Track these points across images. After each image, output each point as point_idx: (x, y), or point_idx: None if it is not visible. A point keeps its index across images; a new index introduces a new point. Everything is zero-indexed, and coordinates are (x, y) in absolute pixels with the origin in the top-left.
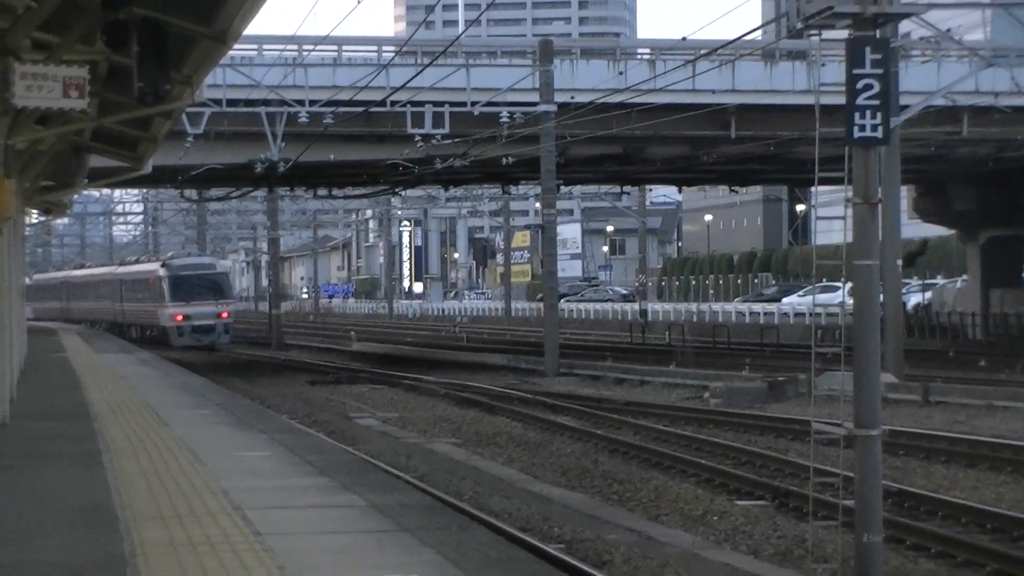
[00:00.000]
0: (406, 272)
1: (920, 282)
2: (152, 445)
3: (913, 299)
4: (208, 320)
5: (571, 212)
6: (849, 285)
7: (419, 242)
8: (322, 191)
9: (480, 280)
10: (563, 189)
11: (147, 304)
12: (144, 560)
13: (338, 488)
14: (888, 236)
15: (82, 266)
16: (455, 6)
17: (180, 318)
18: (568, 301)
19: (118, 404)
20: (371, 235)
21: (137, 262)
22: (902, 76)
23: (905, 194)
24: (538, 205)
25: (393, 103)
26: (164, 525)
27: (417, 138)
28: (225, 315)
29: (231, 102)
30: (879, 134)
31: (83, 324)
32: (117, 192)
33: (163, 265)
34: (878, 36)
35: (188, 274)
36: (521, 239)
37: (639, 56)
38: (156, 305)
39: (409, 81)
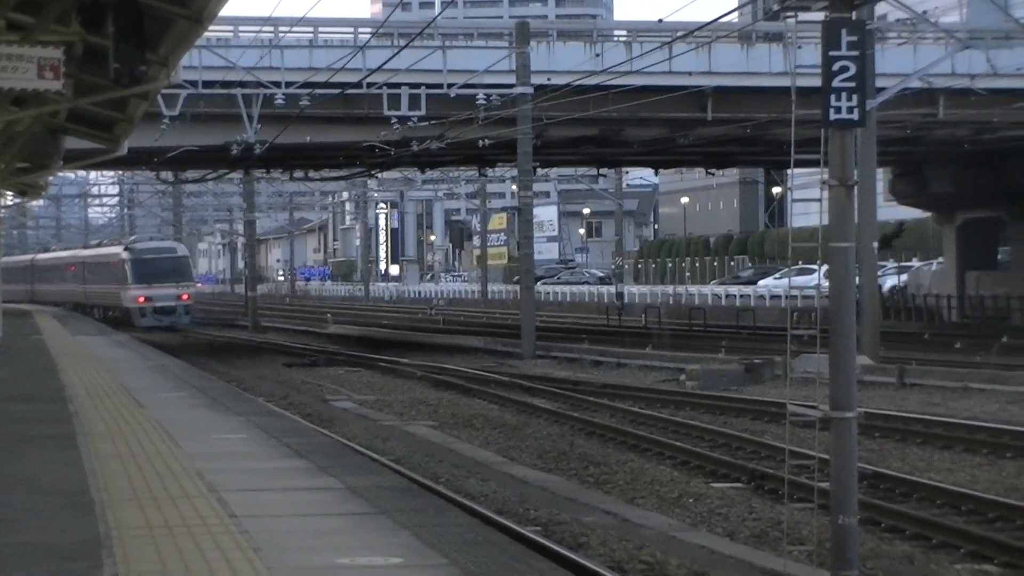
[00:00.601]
0: (383, 255)
1: (896, 264)
2: (128, 428)
3: (889, 281)
4: (169, 302)
5: (548, 194)
6: (825, 267)
7: (396, 224)
8: (298, 173)
9: (457, 263)
10: (540, 171)
11: (110, 286)
12: (120, 542)
13: (315, 471)
14: (864, 218)
15: (47, 249)
16: None
17: (142, 300)
18: (545, 284)
19: (94, 387)
20: (347, 217)
21: (100, 245)
22: (878, 58)
23: (881, 176)
24: (515, 187)
25: (370, 85)
26: (140, 508)
27: (394, 120)
28: (186, 297)
29: (207, 84)
30: (855, 116)
31: (48, 306)
32: (93, 174)
33: (126, 248)
34: (854, 18)
35: (150, 257)
36: (498, 222)
37: (616, 38)
38: (119, 287)
39: (386, 63)
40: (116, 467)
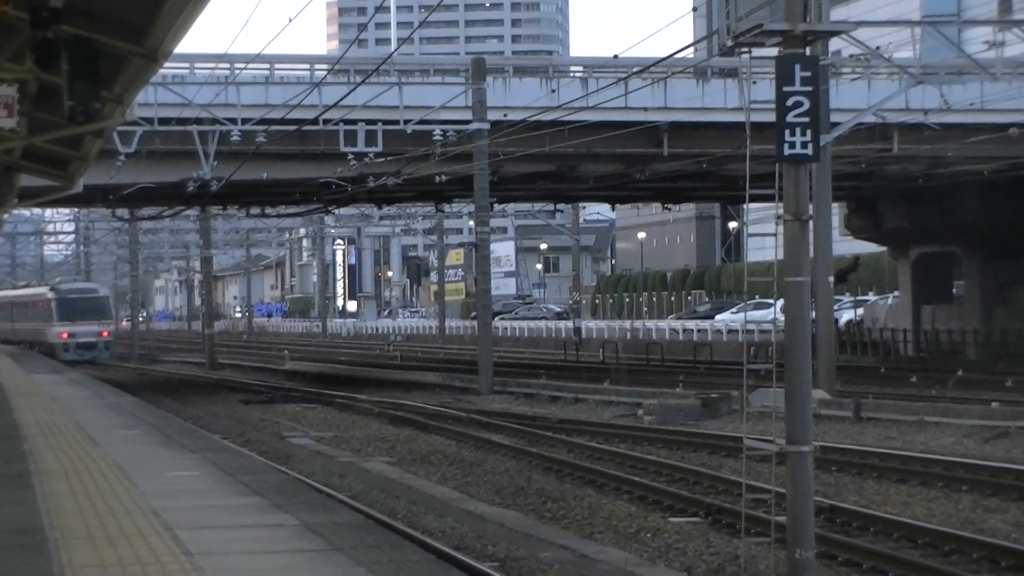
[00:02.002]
0: (340, 291)
1: (852, 299)
2: (83, 466)
3: (845, 315)
4: (91, 338)
5: (505, 230)
6: (781, 302)
7: (352, 260)
8: (255, 210)
9: (414, 298)
10: (497, 207)
11: (37, 323)
12: None
13: (271, 508)
14: (820, 253)
15: None
16: (387, 24)
17: (66, 335)
18: (502, 319)
19: (49, 424)
20: (304, 254)
21: (28, 286)
22: (832, 93)
23: (837, 211)
24: (472, 223)
25: (326, 121)
26: (94, 546)
27: (350, 156)
28: (106, 334)
29: (163, 120)
30: (809, 151)
31: None
32: (48, 211)
33: (52, 289)
34: (808, 54)
35: (74, 297)
36: (455, 257)
37: (572, 74)
38: (45, 324)
39: (342, 99)
40: (70, 505)
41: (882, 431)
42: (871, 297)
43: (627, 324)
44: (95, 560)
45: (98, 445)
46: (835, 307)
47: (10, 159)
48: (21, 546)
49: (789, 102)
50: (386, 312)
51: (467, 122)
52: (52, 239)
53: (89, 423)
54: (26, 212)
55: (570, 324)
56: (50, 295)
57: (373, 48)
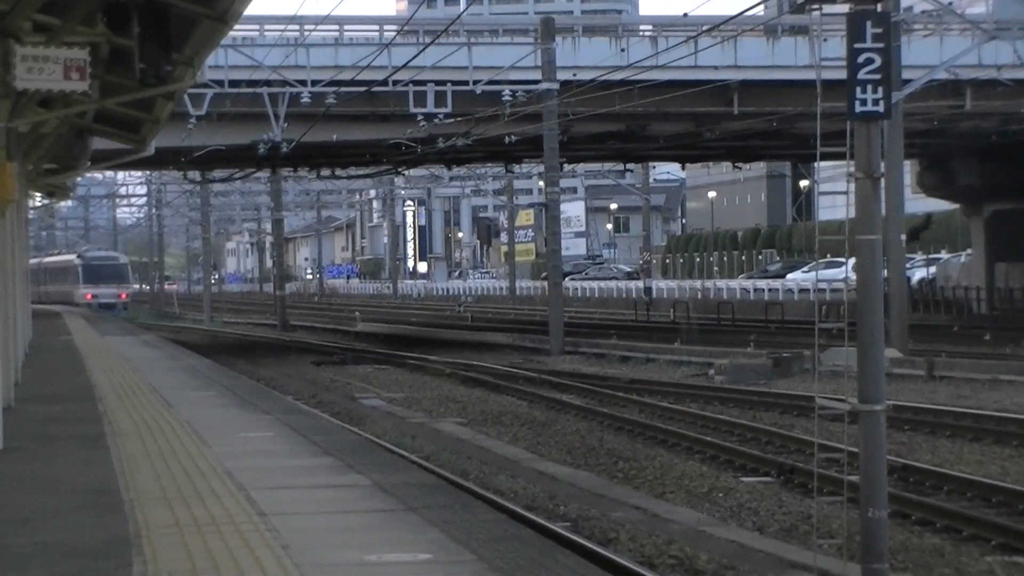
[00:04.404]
0: (410, 252)
1: (924, 257)
2: (156, 427)
3: (918, 274)
4: (111, 299)
5: (575, 190)
6: (852, 260)
7: (423, 222)
8: (325, 171)
9: (484, 259)
10: (566, 167)
11: (65, 286)
12: (149, 541)
13: (343, 468)
14: (891, 211)
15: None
16: None
17: (89, 297)
18: (572, 279)
19: (123, 386)
20: (375, 215)
21: (59, 254)
22: (904, 50)
23: (909, 169)
24: (541, 183)
25: (395, 83)
26: (169, 506)
27: (420, 117)
28: (124, 296)
29: (233, 83)
30: (880, 108)
31: None
32: (120, 174)
33: (78, 256)
34: (879, 10)
35: (97, 264)
36: (525, 218)
37: (641, 33)
38: (72, 287)
39: (411, 60)
40: (145, 466)
41: (955, 390)
42: (944, 255)
43: (697, 284)
44: (170, 520)
45: (171, 406)
46: (907, 265)
47: (82, 122)
48: (97, 506)
49: (860, 59)
50: (456, 273)
51: (536, 82)
52: (124, 202)
53: (162, 384)
54: (99, 175)
55: (640, 284)
56: (77, 261)
57: (442, 8)
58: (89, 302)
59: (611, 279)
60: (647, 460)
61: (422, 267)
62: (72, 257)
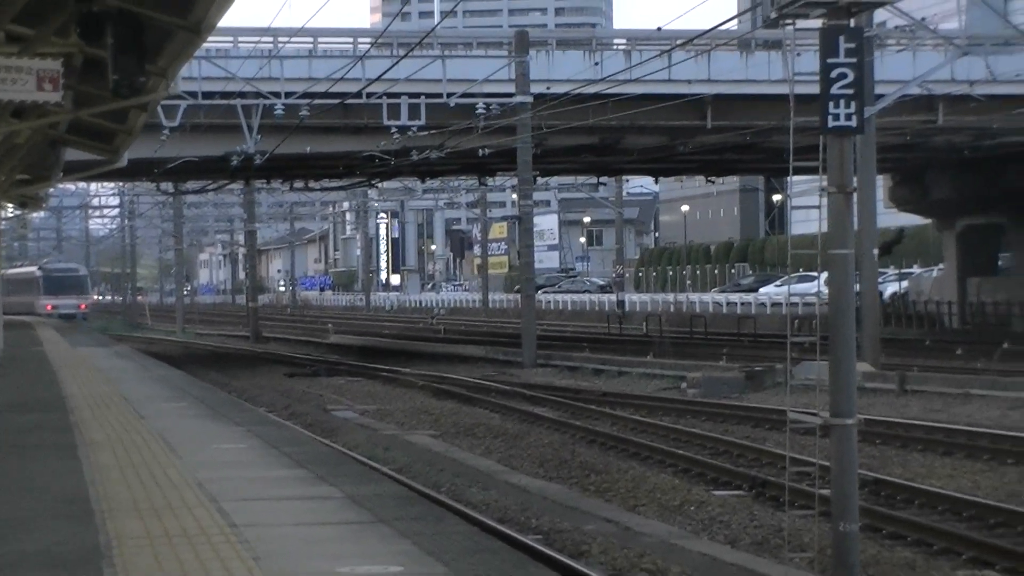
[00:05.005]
0: (383, 264)
1: (897, 271)
2: (128, 437)
3: (890, 288)
4: (71, 310)
5: (548, 203)
6: (825, 275)
7: (396, 234)
8: (299, 183)
9: (458, 272)
10: (540, 180)
11: (26, 297)
12: (120, 552)
13: (315, 480)
14: (864, 225)
15: None
16: None
17: (50, 307)
18: (546, 292)
19: (95, 397)
20: (348, 227)
21: (20, 266)
22: (877, 65)
23: (881, 183)
24: (515, 196)
25: (369, 95)
26: (140, 517)
27: (393, 130)
28: (83, 307)
29: (207, 94)
30: (853, 123)
31: None
32: (93, 185)
33: (39, 268)
34: (852, 25)
35: (57, 275)
36: (498, 230)
37: (615, 46)
38: (33, 297)
39: (385, 73)
40: (116, 476)
41: (927, 404)
42: (916, 269)
43: (670, 297)
44: (141, 531)
45: (143, 417)
46: (880, 280)
47: (55, 133)
48: (69, 516)
49: (833, 74)
50: (430, 285)
51: (510, 95)
52: (97, 213)
53: (134, 395)
54: (72, 186)
55: (613, 297)
56: (38, 273)
57: (416, 21)
58: (50, 312)
59: (584, 292)
60: (619, 473)
61: (395, 279)
62: (33, 269)
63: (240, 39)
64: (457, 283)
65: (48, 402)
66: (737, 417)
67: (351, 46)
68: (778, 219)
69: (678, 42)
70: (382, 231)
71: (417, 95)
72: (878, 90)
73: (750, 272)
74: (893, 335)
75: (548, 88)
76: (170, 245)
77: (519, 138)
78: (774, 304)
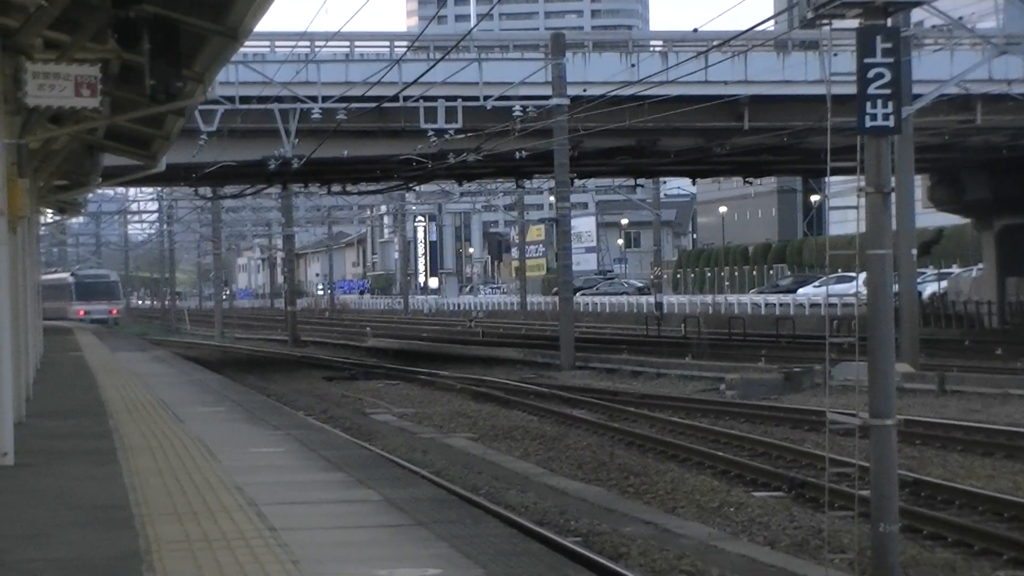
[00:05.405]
0: (421, 267)
1: (936, 271)
2: (167, 442)
3: (929, 288)
4: (103, 315)
5: (585, 205)
6: (863, 275)
7: (433, 237)
8: (336, 187)
9: (495, 274)
10: (577, 182)
11: (59, 303)
12: (159, 556)
13: (353, 483)
14: (902, 225)
15: None
16: (467, 0)
17: (82, 312)
18: (583, 294)
19: (133, 402)
20: (386, 231)
21: (53, 273)
22: (915, 65)
23: (920, 183)
24: (552, 199)
25: (406, 98)
26: (179, 521)
27: (430, 133)
28: (114, 312)
29: (244, 99)
30: (891, 123)
31: None
32: (132, 190)
33: (72, 275)
34: (889, 25)
35: (89, 282)
36: (536, 233)
37: (651, 48)
38: (66, 303)
39: (421, 76)
40: (155, 481)
41: (966, 404)
42: (955, 269)
43: (708, 299)
44: (180, 535)
45: (182, 422)
46: (918, 280)
47: (93, 138)
48: (107, 521)
49: (870, 74)
50: (467, 288)
51: (546, 98)
52: (136, 218)
53: (173, 400)
54: (110, 191)
55: (651, 299)
56: (70, 280)
57: (452, 24)
58: (81, 317)
59: (622, 294)
60: (658, 475)
61: (433, 282)
62: (66, 275)
63: (277, 43)
64: (495, 286)
65: (87, 407)
66: (776, 418)
67: (387, 50)
68: (816, 220)
69: (714, 43)
70: (419, 234)
71: (454, 98)
72: (915, 90)
73: (788, 273)
74: (932, 335)
75: (584, 90)
76: (208, 250)
77: (555, 140)
78: (812, 305)
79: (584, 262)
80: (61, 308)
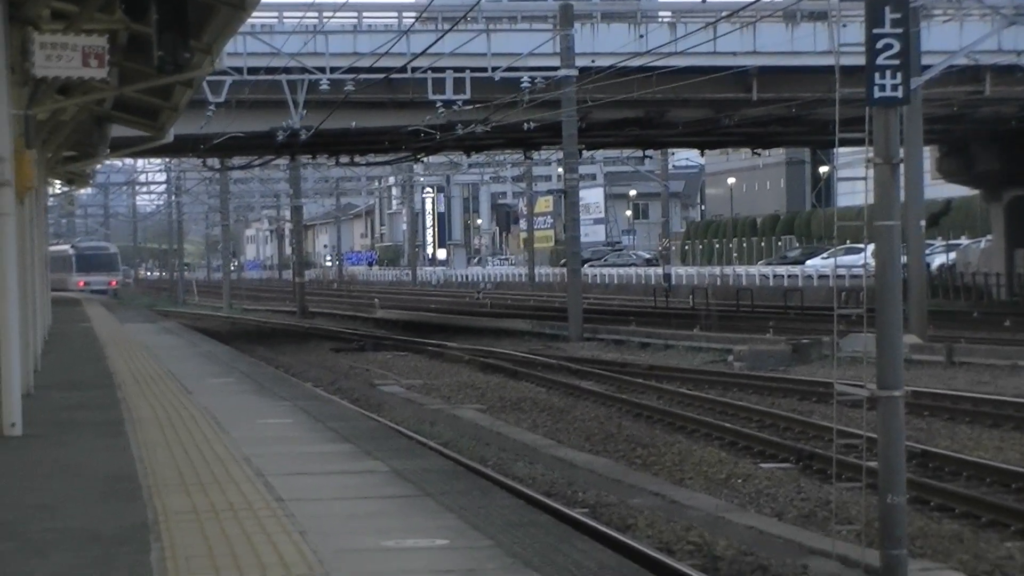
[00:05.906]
0: (429, 239)
1: (944, 243)
2: (175, 414)
3: (937, 260)
4: (102, 286)
5: (594, 177)
6: (871, 247)
7: (442, 209)
8: (344, 158)
9: (503, 246)
10: (585, 154)
11: (60, 274)
12: (167, 527)
13: (361, 454)
14: (911, 197)
15: None
16: None
17: (82, 284)
18: (591, 266)
19: (141, 373)
20: (394, 202)
21: (54, 245)
22: (924, 36)
23: (928, 154)
24: (560, 170)
25: (414, 69)
26: (186, 493)
27: (438, 104)
28: (113, 283)
29: (252, 70)
30: (899, 94)
31: None
32: (140, 162)
33: (72, 247)
34: None
35: (88, 253)
36: (544, 204)
37: (660, 19)
38: (66, 274)
39: (429, 47)
40: (163, 452)
41: (975, 375)
42: (963, 241)
43: (717, 270)
44: (188, 506)
45: (190, 393)
46: (927, 251)
47: (101, 110)
48: (116, 492)
49: (879, 45)
50: (475, 260)
51: (555, 69)
52: (144, 189)
53: (181, 371)
54: (118, 162)
55: (659, 271)
56: (71, 251)
57: None
58: (82, 288)
59: (630, 266)
60: (666, 446)
61: (441, 254)
62: (66, 247)
63: (285, 14)
64: (503, 257)
65: (95, 378)
66: (784, 390)
67: (396, 21)
68: (824, 191)
69: (723, 14)
70: (428, 206)
71: (462, 69)
72: (924, 61)
73: (796, 244)
74: (940, 307)
75: (593, 61)
76: (216, 221)
77: (564, 112)
78: (821, 276)
79: (592, 233)
80: (62, 279)
